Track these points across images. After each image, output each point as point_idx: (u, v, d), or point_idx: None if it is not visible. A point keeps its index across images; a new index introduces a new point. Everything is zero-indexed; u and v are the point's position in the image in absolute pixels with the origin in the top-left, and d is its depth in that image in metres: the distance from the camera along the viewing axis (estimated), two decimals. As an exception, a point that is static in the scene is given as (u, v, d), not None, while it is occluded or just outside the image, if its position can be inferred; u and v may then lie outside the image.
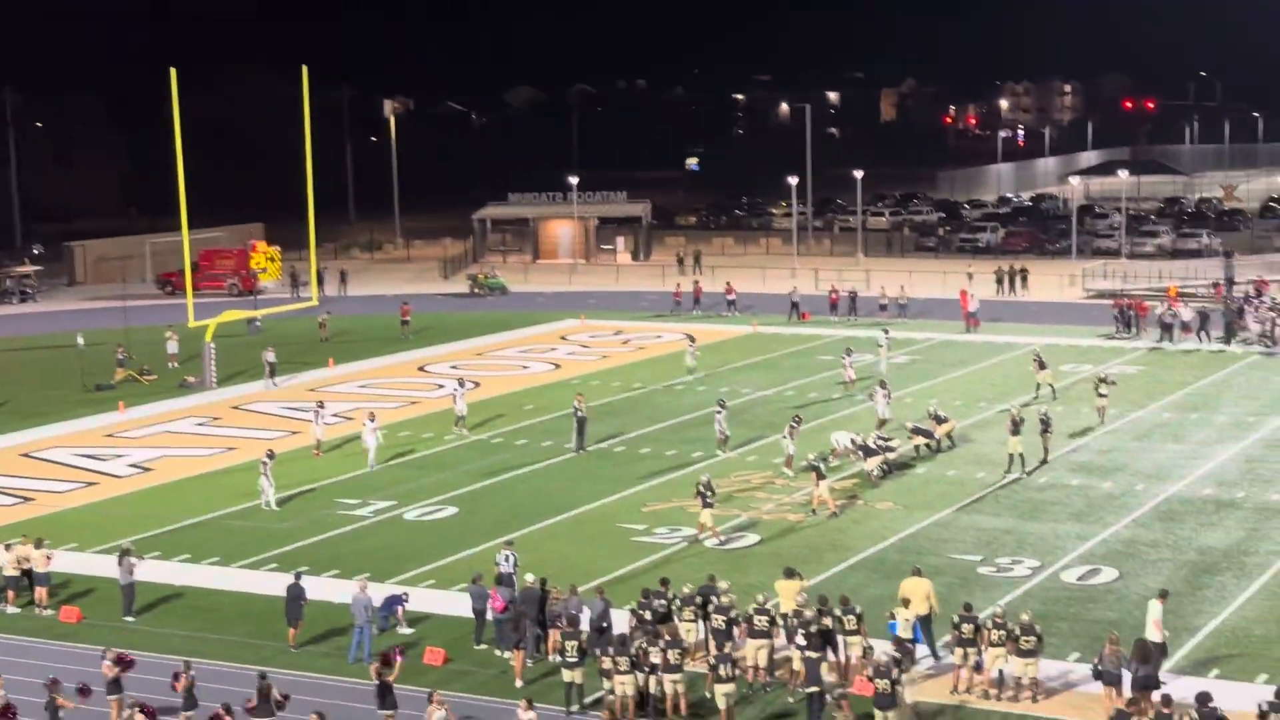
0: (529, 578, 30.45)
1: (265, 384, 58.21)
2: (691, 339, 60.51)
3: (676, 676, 26.57)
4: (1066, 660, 28.75)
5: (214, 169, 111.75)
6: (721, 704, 26.14)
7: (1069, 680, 27.93)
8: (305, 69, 61.92)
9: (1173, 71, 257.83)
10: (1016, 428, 42.61)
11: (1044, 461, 43.43)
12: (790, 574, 29.96)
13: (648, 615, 28.50)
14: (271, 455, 41.39)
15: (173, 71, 56.74)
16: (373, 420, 45.35)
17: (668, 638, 27.24)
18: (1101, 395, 49.11)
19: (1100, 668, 26.16)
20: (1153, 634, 27.63)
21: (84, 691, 25.57)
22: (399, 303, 74.21)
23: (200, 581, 34.87)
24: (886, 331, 60.87)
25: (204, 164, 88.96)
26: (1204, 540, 36.40)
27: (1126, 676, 26.08)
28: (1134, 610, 31.46)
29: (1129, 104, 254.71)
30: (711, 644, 28.07)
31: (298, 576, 31.02)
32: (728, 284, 77.20)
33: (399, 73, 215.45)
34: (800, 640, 26.96)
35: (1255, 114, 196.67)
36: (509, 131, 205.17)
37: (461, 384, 51.10)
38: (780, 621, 28.74)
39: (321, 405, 48.47)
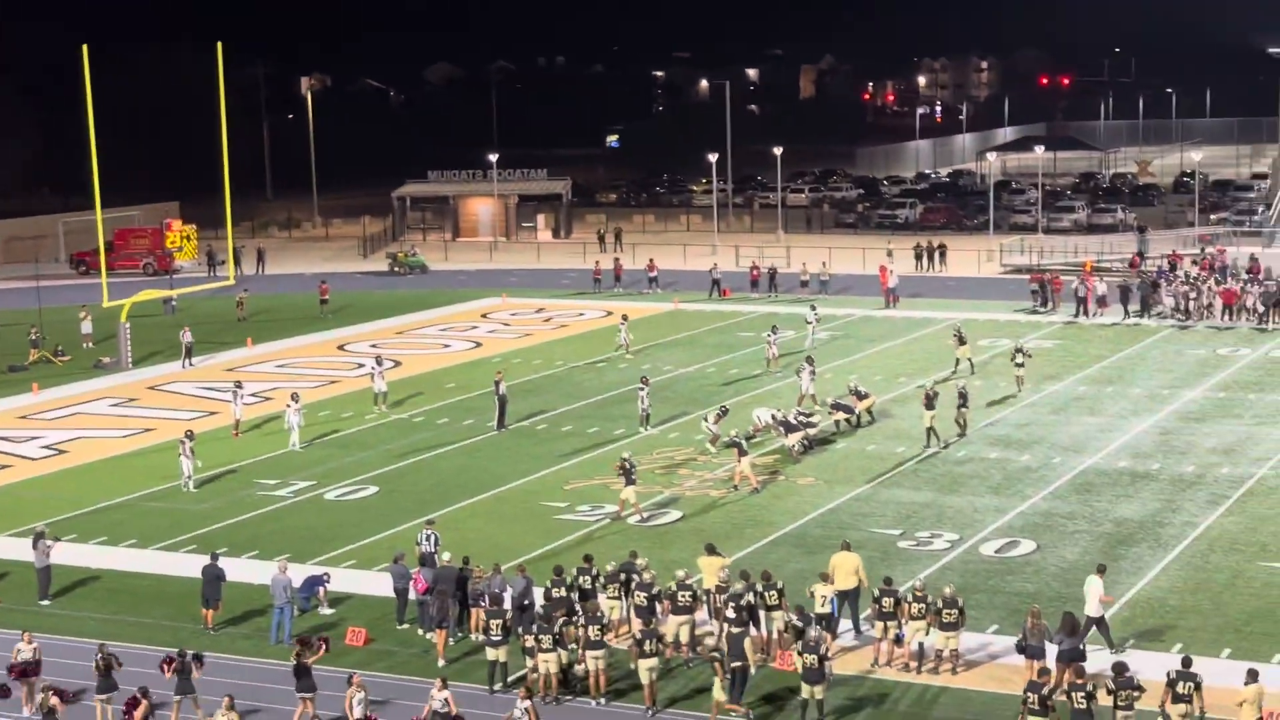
0: (445, 556, 30.39)
1: (182, 364, 57.60)
2: (624, 317, 60.22)
3: (598, 653, 26.62)
4: (986, 632, 29.03)
5: (128, 147, 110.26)
6: (644, 679, 26.21)
7: (989, 652, 28.21)
8: (220, 46, 61.20)
9: (1088, 48, 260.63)
10: (930, 402, 42.99)
11: (962, 435, 43.80)
12: (712, 550, 30.04)
13: (562, 592, 28.47)
14: (191, 435, 40.96)
15: (84, 49, 55.95)
16: (296, 400, 44.99)
17: (587, 614, 27.27)
18: (1018, 365, 49.91)
19: (1024, 642, 26.35)
20: (1094, 608, 27.85)
21: (4, 693, 25.29)
22: (317, 281, 73.68)
23: (117, 564, 34.50)
24: (814, 308, 61.17)
25: (117, 142, 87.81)
26: (1120, 512, 36.85)
27: (1051, 650, 26.31)
28: (1051, 582, 31.86)
29: (1045, 80, 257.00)
30: (635, 620, 28.08)
31: (214, 557, 30.77)
32: (650, 261, 77.18)
33: (316, 49, 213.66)
34: (730, 614, 27.08)
35: (1169, 90, 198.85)
36: (428, 109, 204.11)
37: (380, 362, 50.82)
38: (703, 598, 28.86)
39: (240, 385, 48.05)
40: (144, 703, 24.39)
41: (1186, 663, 24.31)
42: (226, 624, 30.39)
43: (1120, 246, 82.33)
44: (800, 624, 26.91)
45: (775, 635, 28.02)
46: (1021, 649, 26.35)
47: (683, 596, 28.11)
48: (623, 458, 37.43)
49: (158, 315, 68.58)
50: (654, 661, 26.23)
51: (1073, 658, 25.79)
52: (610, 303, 71.24)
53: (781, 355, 54.71)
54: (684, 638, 28.05)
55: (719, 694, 25.41)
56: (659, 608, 28.26)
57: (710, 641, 27.81)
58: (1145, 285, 65.10)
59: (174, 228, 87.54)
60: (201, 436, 43.70)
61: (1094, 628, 27.83)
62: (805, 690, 25.45)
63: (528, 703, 24.22)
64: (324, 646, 26.69)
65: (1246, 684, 23.84)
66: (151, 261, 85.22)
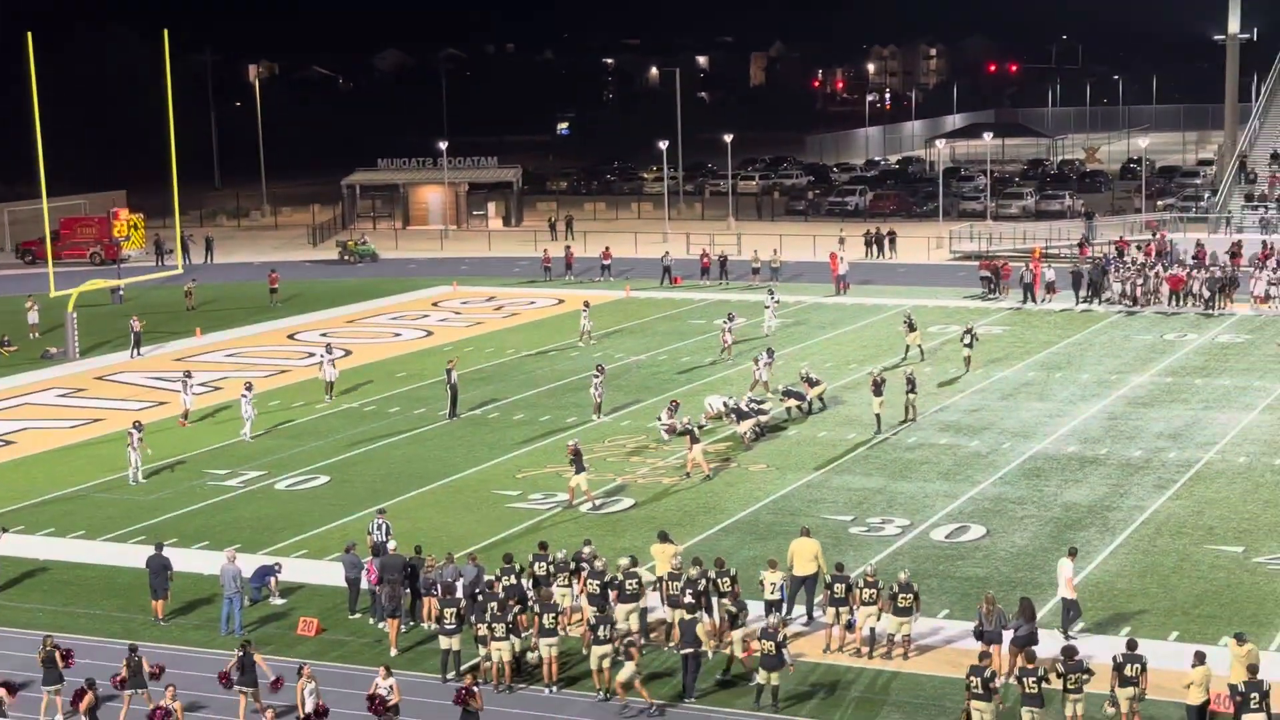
0: (391, 545, 30.29)
1: (131, 354, 57.19)
2: (586, 304, 60.10)
3: (551, 640, 26.64)
4: (937, 617, 29.18)
5: (74, 135, 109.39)
6: (594, 665, 26.28)
7: (941, 637, 28.35)
8: (166, 33, 60.78)
9: (1035, 34, 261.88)
10: (879, 388, 43.17)
11: (910, 421, 43.98)
12: (664, 538, 30.07)
13: (512, 580, 28.45)
14: (139, 426, 40.65)
15: (29, 36, 55.47)
16: (250, 390, 44.68)
17: (541, 602, 27.28)
18: (967, 345, 50.81)
19: (981, 628, 26.45)
20: (1065, 592, 27.96)
21: None
22: (266, 271, 73.27)
23: (66, 555, 34.25)
24: (772, 293, 61.34)
25: (63, 130, 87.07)
26: (1069, 497, 37.11)
27: (1008, 635, 26.46)
28: (1001, 566, 32.08)
29: (993, 67, 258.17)
30: (587, 607, 28.06)
31: (159, 547, 30.61)
32: (605, 249, 77.11)
33: (263, 36, 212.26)
34: (689, 599, 27.17)
35: (1115, 77, 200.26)
36: (377, 96, 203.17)
37: (329, 350, 50.63)
38: (654, 585, 28.90)
39: (189, 375, 47.75)
40: (90, 694, 24.22)
41: (1132, 645, 24.51)
42: (175, 614, 30.23)
43: (1068, 233, 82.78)
44: (734, 609, 27.01)
45: (726, 621, 28.09)
46: (979, 634, 26.44)
47: (630, 584, 28.15)
48: (569, 445, 37.40)
49: (105, 305, 68.10)
50: (606, 648, 26.27)
51: (1027, 642, 25.97)
52: (563, 291, 71.22)
53: (737, 342, 54.78)
54: (634, 625, 28.09)
55: (622, 676, 25.49)
56: (610, 595, 28.29)
57: (622, 627, 27.78)
58: (1097, 270, 65.49)
59: (121, 217, 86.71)
60: (151, 426, 43.42)
61: (1068, 610, 27.97)
62: (761, 676, 25.57)
63: (390, 680, 24.25)
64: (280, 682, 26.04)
65: (1194, 666, 24.05)
66: (98, 251, 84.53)
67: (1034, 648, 25.50)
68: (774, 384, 47.33)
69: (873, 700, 25.96)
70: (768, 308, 59.14)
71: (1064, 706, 24.01)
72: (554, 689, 26.54)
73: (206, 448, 43.41)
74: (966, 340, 51.01)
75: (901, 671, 26.97)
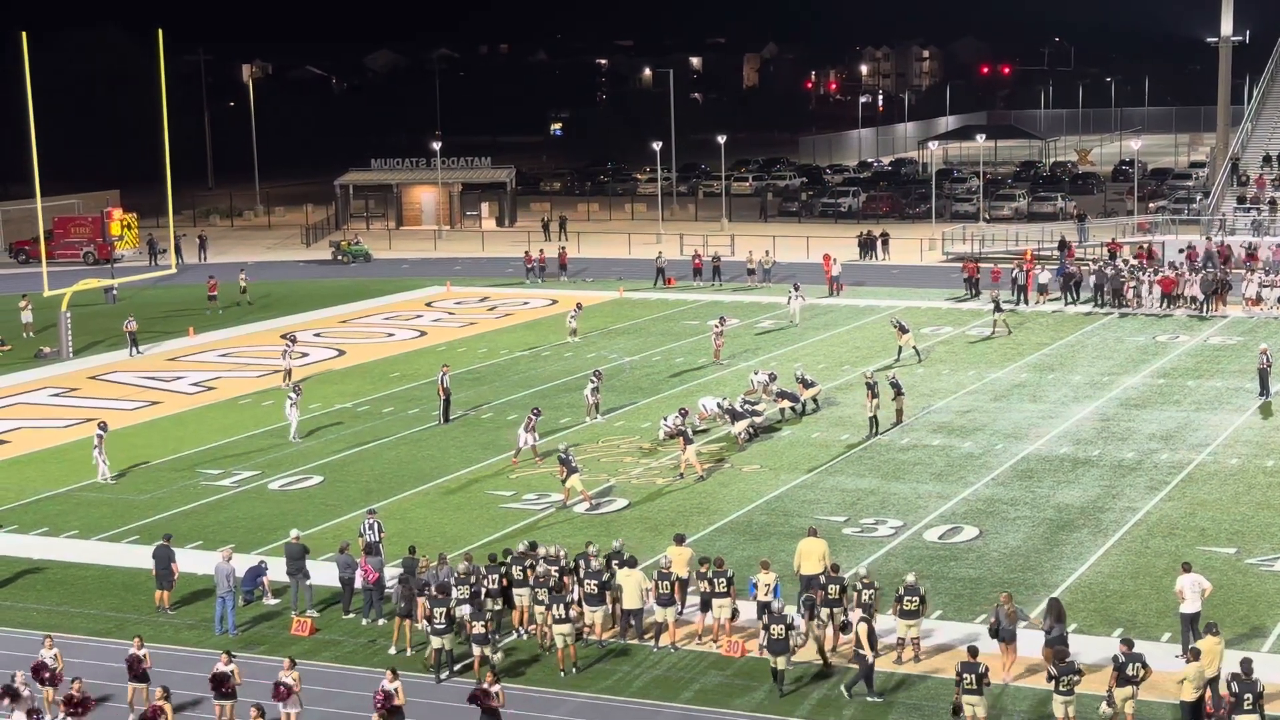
0: (294, 533, 30.39)
1: (130, 353, 57.19)
2: (579, 305, 60.13)
3: (565, 629, 27.05)
4: (930, 618, 29.19)
5: (67, 134, 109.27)
6: (560, 644, 27.04)
7: (934, 639, 28.35)
8: (160, 32, 60.79)
9: (1027, 37, 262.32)
10: (873, 390, 43.15)
11: (897, 424, 43.92)
12: (680, 540, 30.10)
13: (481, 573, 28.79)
14: (104, 428, 40.59)
15: (24, 35, 55.47)
16: (297, 394, 44.58)
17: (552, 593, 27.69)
18: (997, 310, 58.34)
19: (998, 626, 26.49)
20: (1196, 605, 27.37)
21: None
22: (236, 273, 72.48)
23: (60, 555, 34.26)
24: (797, 286, 62.31)
25: (57, 130, 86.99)
26: (1061, 498, 37.19)
27: (1027, 635, 26.52)
28: (994, 567, 32.15)
29: (986, 69, 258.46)
30: (583, 598, 28.24)
31: (166, 539, 30.79)
32: (540, 251, 77.15)
33: (257, 36, 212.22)
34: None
35: (1108, 79, 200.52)
36: (370, 96, 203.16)
37: (293, 341, 50.73)
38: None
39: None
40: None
41: (1129, 644, 24.55)
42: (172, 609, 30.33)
43: (1060, 235, 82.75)
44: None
45: (723, 621, 28.20)
46: (994, 633, 26.49)
47: (663, 585, 28.36)
48: (559, 449, 37.45)
49: (99, 304, 68.04)
50: (567, 627, 26.99)
51: (1058, 643, 25.78)
52: (557, 291, 71.25)
53: (772, 327, 54.52)
54: (670, 618, 28.41)
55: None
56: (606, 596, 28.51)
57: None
58: (1117, 278, 64.22)
59: (114, 216, 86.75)
60: (141, 427, 43.38)
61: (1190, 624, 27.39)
62: (772, 660, 26.01)
63: (397, 683, 24.26)
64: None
65: (1188, 662, 24.09)
66: (92, 250, 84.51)
67: (1065, 648, 25.43)
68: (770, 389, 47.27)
69: (869, 701, 25.97)
70: (799, 299, 60.98)
71: (1054, 708, 24.05)
72: (571, 671, 26.98)
73: (199, 447, 43.40)
74: (1002, 309, 57.99)
75: (894, 672, 26.99)
